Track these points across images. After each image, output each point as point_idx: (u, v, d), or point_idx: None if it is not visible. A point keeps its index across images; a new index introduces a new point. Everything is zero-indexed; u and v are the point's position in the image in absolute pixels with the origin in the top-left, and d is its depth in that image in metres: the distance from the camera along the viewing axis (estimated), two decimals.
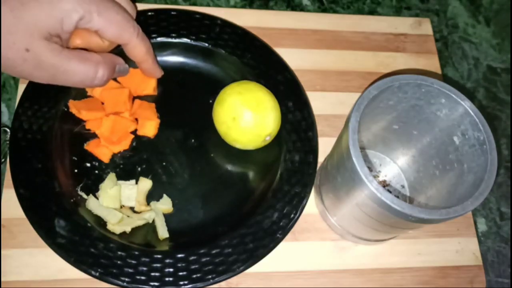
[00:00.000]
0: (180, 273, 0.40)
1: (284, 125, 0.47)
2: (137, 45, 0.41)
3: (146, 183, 0.44)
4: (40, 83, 0.45)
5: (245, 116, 0.42)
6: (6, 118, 0.48)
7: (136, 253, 0.41)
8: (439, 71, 0.55)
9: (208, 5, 0.57)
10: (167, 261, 0.41)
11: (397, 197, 0.46)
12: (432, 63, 0.55)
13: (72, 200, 0.43)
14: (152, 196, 0.44)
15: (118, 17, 0.38)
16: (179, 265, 0.41)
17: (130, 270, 0.40)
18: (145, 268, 0.40)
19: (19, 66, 0.35)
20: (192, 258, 0.41)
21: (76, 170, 0.45)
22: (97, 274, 0.39)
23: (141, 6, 0.52)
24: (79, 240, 0.40)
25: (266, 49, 0.51)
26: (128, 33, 0.39)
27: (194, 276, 0.40)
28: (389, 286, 0.44)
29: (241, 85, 0.44)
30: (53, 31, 0.35)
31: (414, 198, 0.45)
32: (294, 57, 0.52)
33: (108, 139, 0.45)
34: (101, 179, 0.44)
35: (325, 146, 0.47)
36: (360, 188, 0.32)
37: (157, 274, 0.40)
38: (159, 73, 0.46)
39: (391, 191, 0.47)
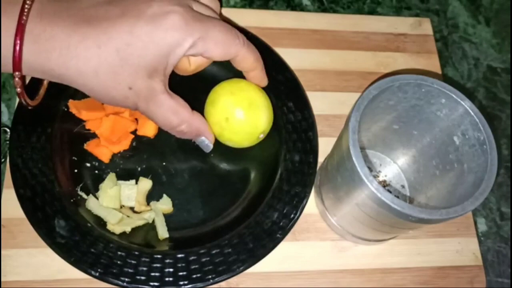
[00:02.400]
0: (180, 273, 0.40)
1: (284, 125, 0.47)
2: (245, 57, 0.38)
3: (146, 183, 0.44)
4: (40, 82, 0.46)
5: (238, 116, 0.42)
6: (6, 118, 0.48)
7: (136, 253, 0.41)
8: (439, 71, 0.55)
9: None
10: (167, 261, 0.41)
11: (397, 197, 0.46)
12: (432, 63, 0.55)
13: (72, 200, 0.43)
14: (152, 196, 0.44)
15: (222, 35, 0.35)
16: (179, 265, 0.41)
17: (130, 270, 0.40)
18: (145, 268, 0.40)
19: (121, 102, 0.34)
20: (192, 258, 0.41)
21: (76, 170, 0.45)
22: (97, 274, 0.39)
23: None
24: (79, 240, 0.40)
25: (266, 49, 0.51)
26: (235, 48, 0.36)
27: (194, 276, 0.40)
28: (389, 286, 0.44)
29: (232, 84, 0.43)
30: (159, 67, 0.34)
31: (414, 198, 0.45)
32: (294, 57, 0.52)
33: (108, 139, 0.45)
34: (101, 179, 0.44)
35: (325, 146, 0.47)
36: (360, 188, 0.32)
37: (157, 274, 0.40)
38: (266, 81, 0.43)
39: (391, 191, 0.47)
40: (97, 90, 0.33)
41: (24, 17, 0.30)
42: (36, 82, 0.41)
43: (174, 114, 0.36)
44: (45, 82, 0.41)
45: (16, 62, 0.31)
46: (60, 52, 0.31)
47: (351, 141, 0.31)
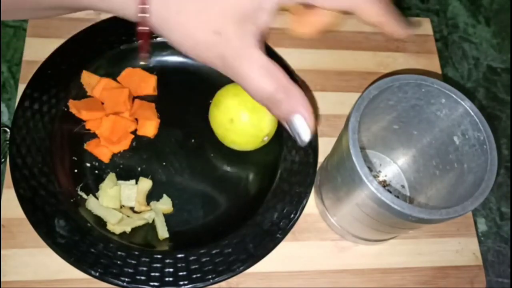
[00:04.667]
0: (180, 273, 0.40)
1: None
2: (365, 11, 0.29)
3: (146, 183, 0.44)
4: (40, 83, 0.46)
5: (243, 118, 0.42)
6: (6, 118, 0.48)
7: (136, 253, 0.41)
8: (439, 71, 0.55)
9: None
10: (167, 261, 0.41)
11: (397, 197, 0.46)
12: (432, 63, 0.55)
13: (72, 200, 0.43)
14: (152, 196, 0.44)
15: None
16: (179, 265, 0.41)
17: (130, 270, 0.40)
18: (145, 268, 0.40)
19: (205, 51, 0.28)
20: (192, 258, 0.41)
21: (76, 170, 0.45)
22: (97, 274, 0.39)
23: None
24: (79, 240, 0.40)
25: (267, 49, 0.51)
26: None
27: (194, 276, 0.40)
28: (389, 286, 0.44)
29: (237, 87, 0.44)
30: (251, 12, 0.28)
31: (414, 198, 0.45)
32: (294, 57, 0.52)
33: (108, 139, 0.45)
34: (101, 179, 0.44)
35: (325, 146, 0.47)
36: (360, 188, 0.32)
37: (157, 274, 0.40)
38: (405, 31, 0.31)
39: (391, 191, 0.47)
40: (179, 32, 0.28)
41: None
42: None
43: (270, 76, 0.28)
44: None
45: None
46: None
47: (351, 141, 0.31)
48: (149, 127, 0.46)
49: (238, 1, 0.27)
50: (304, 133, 0.29)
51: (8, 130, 0.45)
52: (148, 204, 0.44)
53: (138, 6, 0.27)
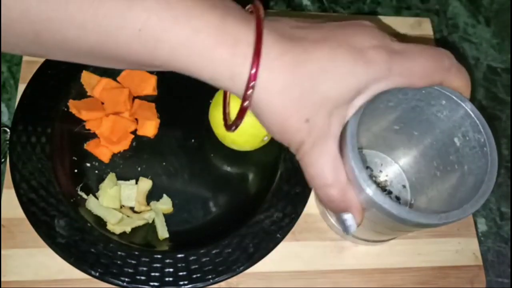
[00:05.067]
0: (180, 273, 0.40)
1: None
2: (451, 83, 0.32)
3: (146, 183, 0.44)
4: (40, 83, 0.46)
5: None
6: (6, 118, 0.48)
7: (136, 253, 0.41)
8: None
9: None
10: (167, 261, 0.41)
11: (398, 197, 0.46)
12: None
13: (72, 200, 0.43)
14: (152, 196, 0.44)
15: (424, 66, 0.30)
16: (179, 265, 0.41)
17: (130, 270, 0.40)
18: (145, 268, 0.40)
19: (289, 135, 0.29)
20: (192, 258, 0.41)
21: (76, 170, 0.45)
22: (97, 274, 0.39)
23: None
24: (79, 240, 0.40)
25: None
26: (439, 76, 0.31)
27: (194, 276, 0.40)
28: (389, 286, 0.44)
29: None
30: (344, 104, 0.29)
31: (415, 199, 0.45)
32: None
33: (108, 139, 0.45)
34: (101, 179, 0.44)
35: None
36: (359, 192, 0.32)
37: (157, 274, 0.40)
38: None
39: (392, 191, 0.47)
40: (273, 115, 0.28)
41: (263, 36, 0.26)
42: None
43: (333, 170, 0.29)
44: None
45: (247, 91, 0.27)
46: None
47: (349, 146, 0.30)
48: (149, 127, 0.46)
49: (339, 95, 0.28)
50: (350, 229, 0.31)
51: (8, 130, 0.45)
52: (148, 204, 0.44)
53: (246, 83, 0.27)
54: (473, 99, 0.56)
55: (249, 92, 0.26)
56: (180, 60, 0.26)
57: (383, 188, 0.47)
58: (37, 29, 0.24)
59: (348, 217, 0.31)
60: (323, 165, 0.29)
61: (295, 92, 0.27)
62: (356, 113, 0.31)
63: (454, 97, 0.34)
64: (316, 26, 0.29)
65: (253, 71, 0.26)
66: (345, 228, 0.32)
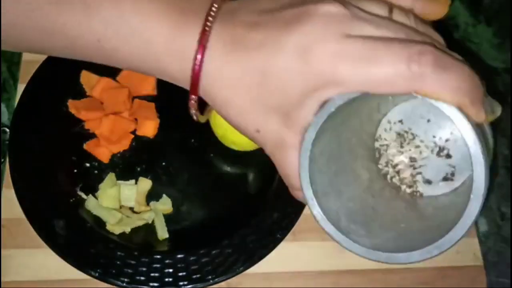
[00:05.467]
0: (180, 274, 0.40)
1: None
2: (430, 91, 0.23)
3: (145, 183, 0.44)
4: (39, 83, 0.46)
5: None
6: (6, 118, 0.47)
7: (136, 253, 0.41)
8: None
9: None
10: (167, 261, 0.41)
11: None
12: None
13: (71, 200, 0.43)
14: (151, 196, 0.44)
15: (374, 73, 0.23)
16: (179, 265, 0.40)
17: (130, 271, 0.40)
18: (144, 269, 0.40)
19: (250, 139, 0.28)
20: (191, 258, 0.41)
21: (75, 170, 0.45)
22: (97, 274, 0.39)
23: None
24: (78, 240, 0.40)
25: None
26: (404, 85, 0.23)
27: (194, 276, 0.40)
28: (389, 287, 0.44)
29: None
30: (296, 110, 0.26)
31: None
32: None
33: (108, 139, 0.45)
34: (101, 179, 0.44)
35: None
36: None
37: (156, 274, 0.40)
38: (482, 116, 0.24)
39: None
40: (229, 121, 0.28)
41: (209, 24, 0.25)
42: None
43: (296, 176, 0.28)
44: None
45: (195, 80, 0.26)
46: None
47: (300, 162, 0.26)
48: (149, 127, 0.46)
49: (281, 101, 0.25)
50: None
51: (8, 130, 0.45)
52: (147, 204, 0.44)
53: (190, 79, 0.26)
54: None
55: (197, 84, 0.27)
56: (140, 66, 0.27)
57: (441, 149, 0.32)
58: (5, 33, 0.26)
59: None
60: (286, 171, 0.28)
61: (239, 105, 0.26)
62: (314, 123, 0.25)
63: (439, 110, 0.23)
64: (271, 19, 0.26)
65: (197, 66, 0.26)
66: None
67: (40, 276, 0.41)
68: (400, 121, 0.31)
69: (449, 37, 0.60)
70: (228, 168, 0.47)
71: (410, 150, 0.32)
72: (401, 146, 0.32)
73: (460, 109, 0.23)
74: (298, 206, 0.44)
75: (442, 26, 0.58)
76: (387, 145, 0.32)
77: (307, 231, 0.45)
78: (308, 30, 0.24)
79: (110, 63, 0.28)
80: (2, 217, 0.42)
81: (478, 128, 0.23)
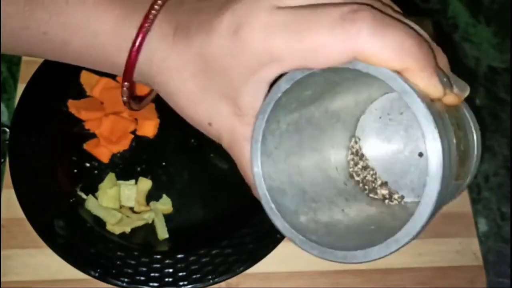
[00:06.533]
0: (180, 274, 0.40)
1: None
2: (369, 54, 0.20)
3: (145, 183, 0.44)
4: (39, 83, 0.46)
5: None
6: (6, 118, 0.47)
7: (136, 253, 0.41)
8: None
9: None
10: (167, 261, 0.41)
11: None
12: None
13: (71, 200, 0.43)
14: (151, 196, 0.44)
15: (307, 42, 0.21)
16: (179, 265, 0.40)
17: (130, 271, 0.40)
18: (144, 269, 0.40)
19: (206, 133, 0.27)
20: (191, 258, 0.41)
21: (75, 170, 0.45)
22: (97, 274, 0.39)
23: None
24: (78, 240, 0.40)
25: None
26: (338, 50, 0.20)
27: (194, 276, 0.40)
28: (389, 287, 0.44)
29: None
30: (243, 96, 0.24)
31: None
32: None
33: (108, 139, 0.45)
34: (101, 179, 0.44)
35: None
36: None
37: (156, 274, 0.40)
38: (436, 90, 0.21)
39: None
40: (182, 113, 0.26)
41: (154, 12, 0.24)
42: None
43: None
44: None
45: (130, 65, 0.25)
46: (156, 62, 0.25)
47: (251, 155, 0.24)
48: (149, 127, 0.46)
49: (229, 87, 0.24)
50: None
51: (8, 130, 0.45)
52: (147, 204, 0.44)
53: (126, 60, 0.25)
54: (473, 99, 0.56)
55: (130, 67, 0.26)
56: (89, 60, 0.27)
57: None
58: None
59: None
60: (242, 166, 0.26)
61: (187, 95, 0.25)
62: (262, 111, 0.23)
63: (378, 77, 0.20)
64: (209, 4, 0.24)
65: (134, 53, 0.25)
66: None
67: (40, 276, 0.41)
68: (381, 117, 0.29)
69: (449, 37, 0.60)
70: (228, 168, 0.47)
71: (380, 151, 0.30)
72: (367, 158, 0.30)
73: (406, 77, 0.20)
74: None
75: (442, 26, 0.57)
76: (360, 154, 0.30)
77: None
78: (239, 7, 0.22)
79: (61, 57, 0.27)
80: (2, 217, 0.42)
81: (432, 107, 0.20)
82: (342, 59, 0.20)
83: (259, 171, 0.24)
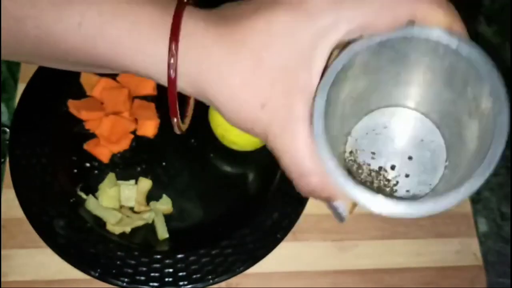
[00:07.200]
0: (180, 274, 0.40)
1: None
2: (428, 17, 0.24)
3: (145, 183, 0.44)
4: (40, 83, 0.46)
5: None
6: (6, 118, 0.48)
7: (136, 253, 0.41)
8: None
9: None
10: (167, 261, 0.41)
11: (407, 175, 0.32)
12: None
13: (71, 200, 0.43)
14: (151, 196, 0.44)
15: (371, 3, 0.23)
16: (179, 265, 0.41)
17: (130, 271, 0.40)
18: (144, 269, 0.40)
19: (251, 127, 0.25)
20: (191, 258, 0.41)
21: (75, 170, 0.45)
22: (97, 274, 0.39)
23: None
24: (78, 240, 0.40)
25: None
26: (405, 8, 0.24)
27: (194, 276, 0.40)
28: (389, 286, 0.44)
29: None
30: (301, 75, 0.24)
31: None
32: None
33: (108, 139, 0.45)
34: (101, 179, 0.44)
35: None
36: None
37: (156, 274, 0.40)
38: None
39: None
40: (228, 109, 0.25)
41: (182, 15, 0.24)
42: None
43: (309, 157, 0.25)
44: (191, 101, 0.33)
45: (172, 77, 0.25)
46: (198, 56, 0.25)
47: (316, 131, 0.24)
48: (149, 127, 0.46)
49: (287, 67, 0.24)
50: (342, 216, 0.27)
51: (8, 130, 0.45)
52: (147, 204, 0.44)
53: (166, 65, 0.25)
54: None
55: (172, 73, 0.25)
56: (123, 58, 0.25)
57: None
58: None
59: (338, 204, 0.27)
60: (296, 153, 0.25)
61: (240, 80, 0.24)
62: (323, 86, 0.24)
63: (435, 37, 0.24)
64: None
65: (173, 54, 0.24)
66: (337, 215, 0.27)
67: (40, 276, 0.41)
68: (367, 133, 0.31)
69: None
70: (228, 168, 0.47)
71: (375, 163, 0.31)
72: (366, 162, 0.31)
73: (452, 30, 0.24)
74: (298, 206, 0.44)
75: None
76: (357, 163, 0.31)
77: (307, 231, 0.45)
78: None
79: (90, 55, 0.25)
80: (2, 217, 0.42)
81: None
82: (404, 16, 0.23)
83: (326, 145, 0.24)
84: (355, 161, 0.31)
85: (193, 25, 0.24)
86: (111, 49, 0.25)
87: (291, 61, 0.24)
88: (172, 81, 0.25)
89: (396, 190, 0.30)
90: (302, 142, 0.24)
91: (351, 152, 0.31)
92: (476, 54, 0.24)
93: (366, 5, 0.23)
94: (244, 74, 0.24)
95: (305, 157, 0.25)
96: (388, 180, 0.31)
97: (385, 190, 0.30)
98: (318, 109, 0.24)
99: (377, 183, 0.31)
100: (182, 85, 0.26)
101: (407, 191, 0.30)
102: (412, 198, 0.30)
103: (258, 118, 0.25)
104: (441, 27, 0.24)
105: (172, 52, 0.24)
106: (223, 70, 0.24)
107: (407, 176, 0.30)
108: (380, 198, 0.24)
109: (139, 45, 0.25)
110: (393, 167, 0.30)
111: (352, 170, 0.30)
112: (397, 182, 0.30)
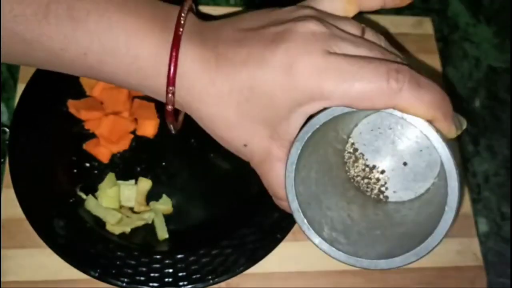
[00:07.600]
0: (180, 274, 0.40)
1: None
2: (409, 106, 0.24)
3: (145, 183, 0.44)
4: (39, 83, 0.46)
5: None
6: (6, 118, 0.47)
7: (136, 253, 0.41)
8: (439, 70, 0.55)
9: (207, 4, 0.57)
10: (167, 261, 0.41)
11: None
12: (433, 63, 0.55)
13: (71, 200, 0.43)
14: (151, 196, 0.44)
15: (365, 84, 0.24)
16: (179, 265, 0.40)
17: (130, 271, 0.40)
18: (144, 269, 0.40)
19: (235, 152, 0.30)
20: (191, 258, 0.41)
21: (75, 170, 0.44)
22: (97, 274, 0.39)
23: None
24: (78, 240, 0.40)
25: None
26: (384, 99, 0.24)
27: (194, 276, 0.40)
28: (389, 287, 0.44)
29: None
30: (282, 124, 0.27)
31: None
32: None
33: (107, 139, 0.45)
34: (100, 179, 0.44)
35: None
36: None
37: (156, 274, 0.40)
38: (453, 132, 0.27)
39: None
40: (216, 138, 0.30)
41: (180, 31, 0.26)
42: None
43: (282, 188, 0.29)
44: None
45: (170, 83, 0.27)
46: (188, 91, 0.27)
47: (286, 179, 0.27)
48: (149, 127, 0.46)
49: (272, 115, 0.26)
50: None
51: (7, 130, 0.45)
52: (147, 204, 0.44)
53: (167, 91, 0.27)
54: (473, 99, 0.56)
55: (169, 96, 0.27)
56: (124, 80, 0.28)
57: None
58: None
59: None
60: (272, 181, 0.29)
61: (222, 121, 0.28)
62: (301, 138, 0.27)
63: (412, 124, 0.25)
64: (255, 36, 0.27)
65: (171, 73, 0.26)
66: None
67: (40, 276, 0.41)
68: (372, 130, 0.33)
69: (449, 37, 0.60)
70: (228, 168, 0.47)
71: (371, 159, 0.33)
72: (364, 157, 0.33)
73: (433, 124, 0.25)
74: None
75: (442, 26, 0.57)
76: (355, 155, 0.33)
77: None
78: (292, 46, 0.25)
79: (95, 76, 0.28)
80: (2, 217, 0.42)
81: (450, 143, 0.25)
82: (381, 107, 0.25)
83: (293, 190, 0.27)
84: (353, 153, 0.33)
85: (190, 64, 0.26)
86: (112, 78, 0.29)
87: (271, 115, 0.26)
88: (168, 103, 0.28)
89: (383, 191, 0.33)
90: (277, 176, 0.28)
91: (352, 144, 0.33)
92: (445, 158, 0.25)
93: (348, 83, 0.24)
94: (229, 121, 0.27)
95: (279, 187, 0.29)
96: (378, 180, 0.33)
97: (374, 188, 0.33)
98: (291, 158, 0.27)
99: (367, 180, 0.33)
100: (176, 105, 0.29)
101: (394, 192, 0.33)
102: (399, 199, 0.32)
103: (241, 151, 0.29)
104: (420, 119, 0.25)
105: (169, 90, 0.27)
106: (211, 112, 0.27)
107: (397, 179, 0.32)
108: (324, 245, 0.28)
109: (139, 80, 0.28)
110: (386, 168, 0.33)
111: (349, 163, 0.33)
112: (385, 183, 0.33)
